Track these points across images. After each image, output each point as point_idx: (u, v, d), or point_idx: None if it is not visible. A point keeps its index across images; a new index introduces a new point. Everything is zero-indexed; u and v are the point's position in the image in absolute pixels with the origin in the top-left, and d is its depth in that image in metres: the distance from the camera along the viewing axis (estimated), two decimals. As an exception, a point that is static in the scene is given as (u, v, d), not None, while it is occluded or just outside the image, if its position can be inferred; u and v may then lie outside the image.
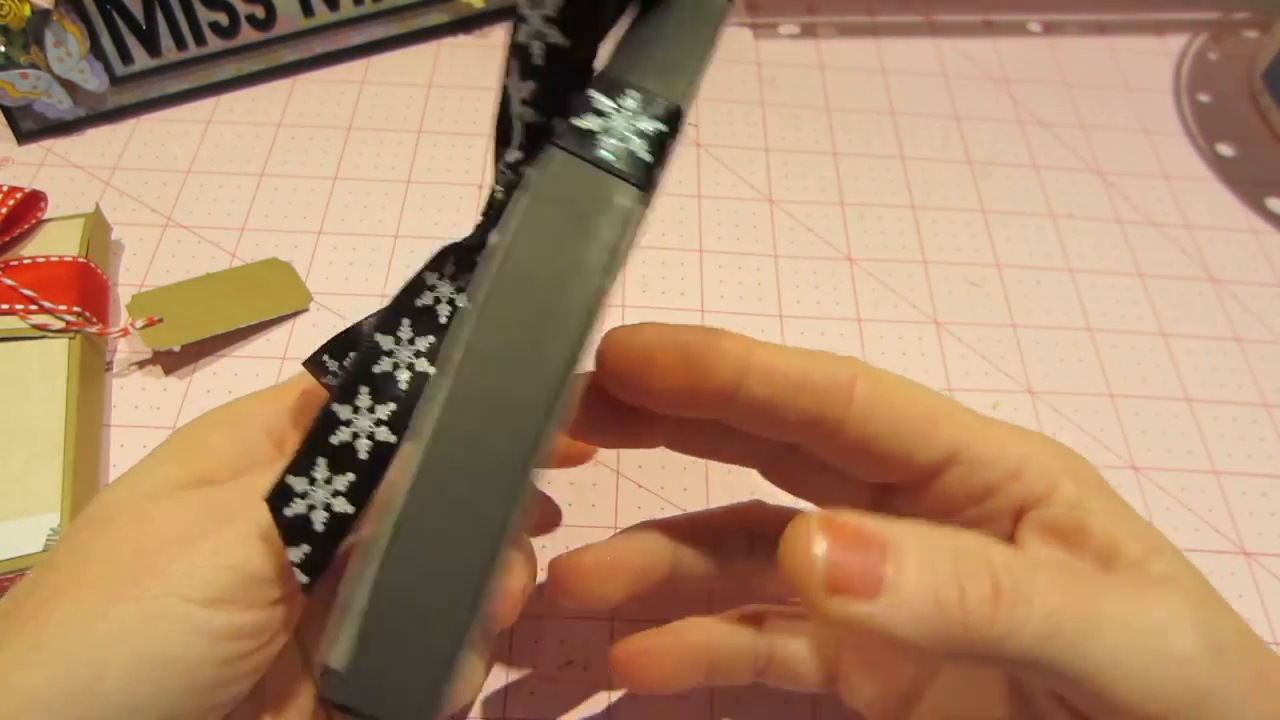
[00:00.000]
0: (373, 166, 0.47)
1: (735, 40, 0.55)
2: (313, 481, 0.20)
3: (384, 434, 0.21)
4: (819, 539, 0.19)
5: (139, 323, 0.38)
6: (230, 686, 0.22)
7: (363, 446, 0.21)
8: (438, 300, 0.22)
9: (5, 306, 0.37)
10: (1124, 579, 0.21)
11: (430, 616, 0.17)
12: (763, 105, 0.52)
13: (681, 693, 0.28)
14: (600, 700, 0.32)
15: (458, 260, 0.21)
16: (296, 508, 0.20)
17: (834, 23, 0.57)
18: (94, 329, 0.37)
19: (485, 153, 0.48)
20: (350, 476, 0.20)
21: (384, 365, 0.21)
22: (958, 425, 0.23)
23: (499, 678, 0.32)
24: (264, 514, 0.21)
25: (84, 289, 0.38)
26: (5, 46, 0.43)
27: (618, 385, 0.23)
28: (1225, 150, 0.52)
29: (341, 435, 0.21)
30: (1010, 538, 0.23)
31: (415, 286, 0.21)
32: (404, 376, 0.21)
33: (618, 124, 0.18)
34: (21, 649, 0.20)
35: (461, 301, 0.21)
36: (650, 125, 0.19)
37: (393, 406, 0.21)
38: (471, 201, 0.46)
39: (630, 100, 0.19)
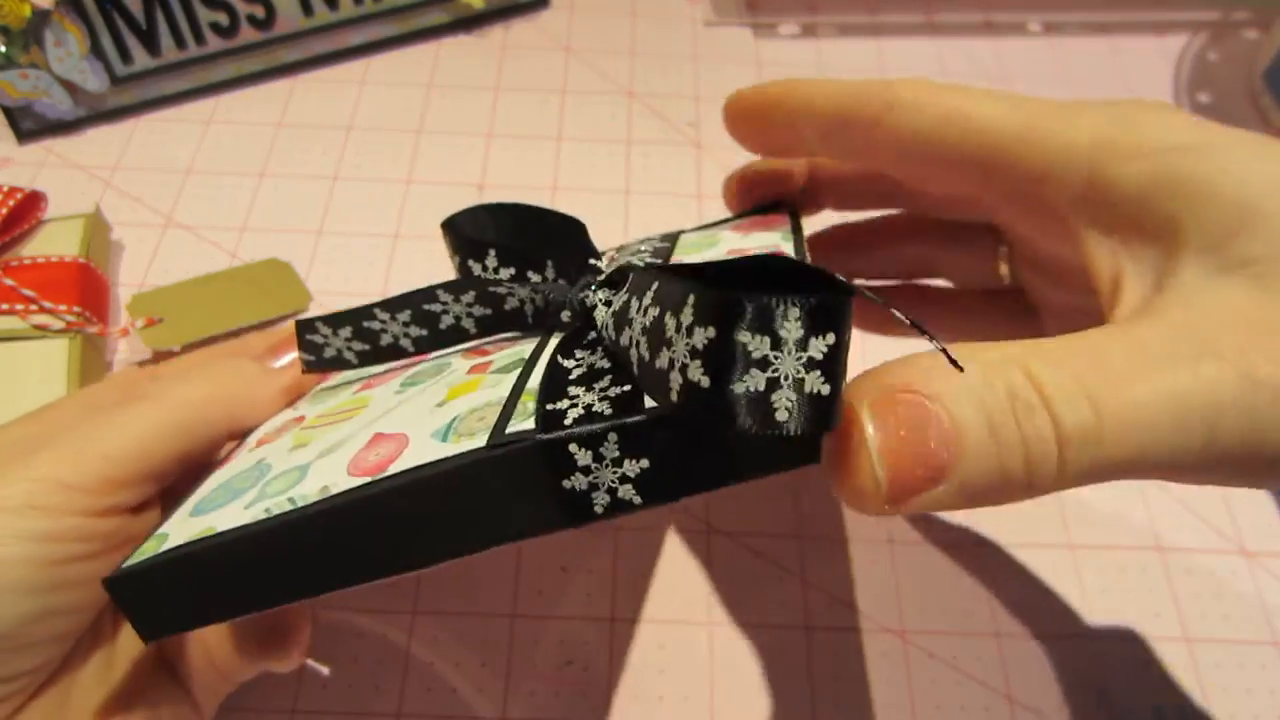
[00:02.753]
0: (373, 166, 0.47)
1: (735, 40, 0.55)
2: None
3: (351, 356, 0.26)
4: (880, 467, 0.16)
5: (139, 323, 0.38)
6: (61, 592, 0.23)
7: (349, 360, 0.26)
8: (444, 311, 0.25)
9: (5, 306, 0.37)
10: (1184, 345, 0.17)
11: None
12: (763, 105, 0.52)
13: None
14: (600, 700, 0.32)
15: (480, 298, 0.24)
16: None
17: (834, 23, 0.57)
18: (94, 329, 0.37)
19: (485, 153, 0.48)
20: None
21: (373, 326, 0.25)
22: (982, 127, 0.22)
23: (499, 678, 0.32)
24: (82, 432, 0.23)
25: (84, 289, 0.38)
26: (5, 46, 0.43)
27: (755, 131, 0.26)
28: (1225, 150, 0.52)
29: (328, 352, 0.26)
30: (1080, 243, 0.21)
31: (427, 295, 0.24)
32: (386, 340, 0.25)
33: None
34: None
35: (469, 323, 0.25)
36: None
37: (365, 347, 0.26)
38: (470, 201, 0.46)
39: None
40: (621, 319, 0.19)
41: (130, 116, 0.48)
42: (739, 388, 0.15)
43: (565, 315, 0.23)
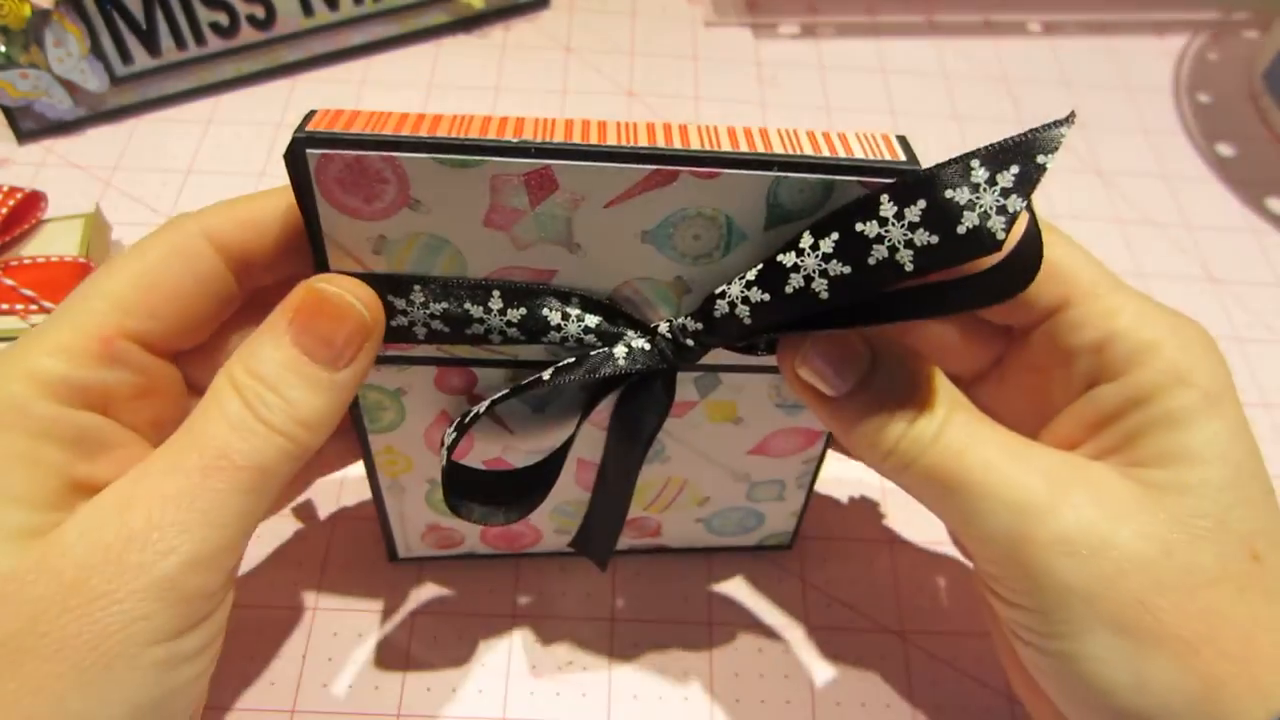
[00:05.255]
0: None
1: (735, 40, 0.55)
2: None
3: (421, 331, 0.24)
4: (811, 352, 0.23)
5: (139, 323, 0.38)
6: (205, 680, 0.23)
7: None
8: (556, 324, 0.24)
9: (5, 306, 0.37)
10: (1063, 471, 0.23)
11: None
12: (763, 105, 0.52)
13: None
14: (600, 700, 0.32)
15: (597, 312, 0.25)
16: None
17: (834, 23, 0.57)
18: (94, 329, 0.37)
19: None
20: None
21: (473, 312, 0.24)
22: (1074, 280, 0.24)
23: (499, 678, 0.32)
24: (194, 536, 0.21)
25: (84, 289, 0.38)
26: (5, 46, 0.43)
27: None
28: (1225, 150, 0.52)
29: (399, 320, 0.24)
30: (1071, 398, 0.24)
31: (555, 295, 0.24)
32: (475, 330, 0.24)
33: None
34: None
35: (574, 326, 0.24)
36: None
37: (445, 329, 0.24)
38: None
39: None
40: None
41: (130, 116, 0.48)
42: (961, 229, 0.19)
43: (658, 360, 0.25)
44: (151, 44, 0.47)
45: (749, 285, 0.22)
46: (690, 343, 0.24)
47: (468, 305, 0.23)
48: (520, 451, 0.28)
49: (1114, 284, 0.24)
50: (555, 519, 0.32)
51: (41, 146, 0.47)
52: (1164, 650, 0.21)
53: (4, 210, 0.38)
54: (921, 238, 0.20)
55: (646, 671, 0.33)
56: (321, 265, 0.23)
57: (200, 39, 0.48)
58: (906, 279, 0.20)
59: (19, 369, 0.21)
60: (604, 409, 0.27)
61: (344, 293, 0.22)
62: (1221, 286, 0.46)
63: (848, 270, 0.21)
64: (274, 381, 0.22)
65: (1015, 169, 0.19)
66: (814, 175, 0.22)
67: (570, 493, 0.31)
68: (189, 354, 0.25)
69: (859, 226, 0.20)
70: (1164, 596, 0.21)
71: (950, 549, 0.36)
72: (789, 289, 0.21)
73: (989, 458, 0.22)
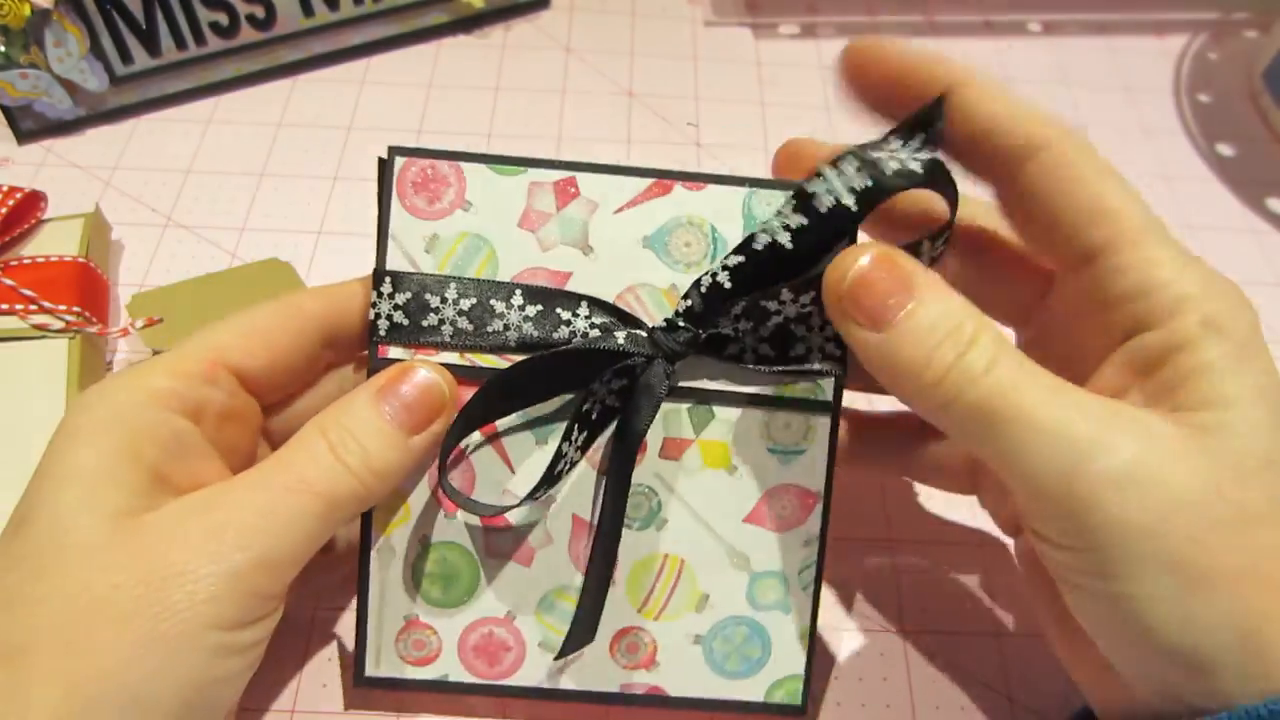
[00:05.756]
0: (372, 166, 0.47)
1: (735, 40, 0.55)
2: None
3: (449, 333, 0.28)
4: (863, 259, 0.24)
5: (139, 323, 0.38)
6: (244, 682, 0.25)
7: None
8: (567, 322, 0.28)
9: (5, 306, 0.37)
10: (1118, 409, 0.23)
11: None
12: (763, 105, 0.52)
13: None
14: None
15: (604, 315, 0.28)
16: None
17: (834, 23, 0.57)
18: (94, 329, 0.37)
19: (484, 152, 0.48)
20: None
21: (497, 306, 0.28)
22: (1119, 226, 0.24)
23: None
24: (266, 539, 0.23)
25: (84, 289, 0.38)
26: (5, 46, 0.43)
27: (865, 83, 0.27)
28: (1225, 150, 0.52)
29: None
30: (1113, 347, 0.24)
31: (567, 299, 0.28)
32: (495, 326, 0.28)
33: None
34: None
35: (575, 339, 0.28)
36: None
37: (470, 328, 0.28)
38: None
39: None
40: (762, 314, 0.27)
41: (130, 116, 0.48)
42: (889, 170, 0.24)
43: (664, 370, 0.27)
44: (151, 44, 0.47)
45: (726, 258, 0.26)
46: (681, 323, 0.27)
47: (493, 301, 0.27)
48: (516, 498, 0.28)
49: (1160, 234, 0.24)
50: (541, 622, 0.29)
51: (41, 146, 0.47)
52: (1214, 587, 0.21)
53: (4, 210, 0.38)
54: (859, 181, 0.24)
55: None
56: (381, 262, 0.28)
57: (200, 39, 0.47)
58: (854, 219, 0.24)
59: (132, 381, 0.25)
60: (600, 448, 0.28)
61: (430, 371, 0.26)
62: (1221, 286, 0.46)
63: (805, 220, 0.25)
64: (356, 431, 0.25)
65: (920, 136, 0.25)
66: (781, 190, 0.28)
67: (561, 573, 0.29)
68: (272, 406, 0.29)
69: (808, 188, 0.25)
70: (1215, 534, 0.21)
71: (951, 549, 0.36)
72: (757, 245, 0.25)
73: (1039, 395, 0.22)
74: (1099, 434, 0.22)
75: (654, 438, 0.29)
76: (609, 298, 0.28)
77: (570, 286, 0.28)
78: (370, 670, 0.30)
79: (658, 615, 0.29)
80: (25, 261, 0.38)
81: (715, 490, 0.29)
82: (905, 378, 0.23)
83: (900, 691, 0.33)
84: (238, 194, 0.45)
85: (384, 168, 0.28)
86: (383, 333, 0.28)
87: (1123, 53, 0.57)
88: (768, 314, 0.26)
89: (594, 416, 0.27)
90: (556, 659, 0.29)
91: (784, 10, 0.57)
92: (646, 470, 0.29)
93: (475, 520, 0.29)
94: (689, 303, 0.27)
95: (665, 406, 0.28)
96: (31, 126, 0.47)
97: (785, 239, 0.25)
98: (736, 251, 0.26)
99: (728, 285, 0.26)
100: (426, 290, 0.27)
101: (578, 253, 0.28)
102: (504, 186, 0.28)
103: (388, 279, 0.28)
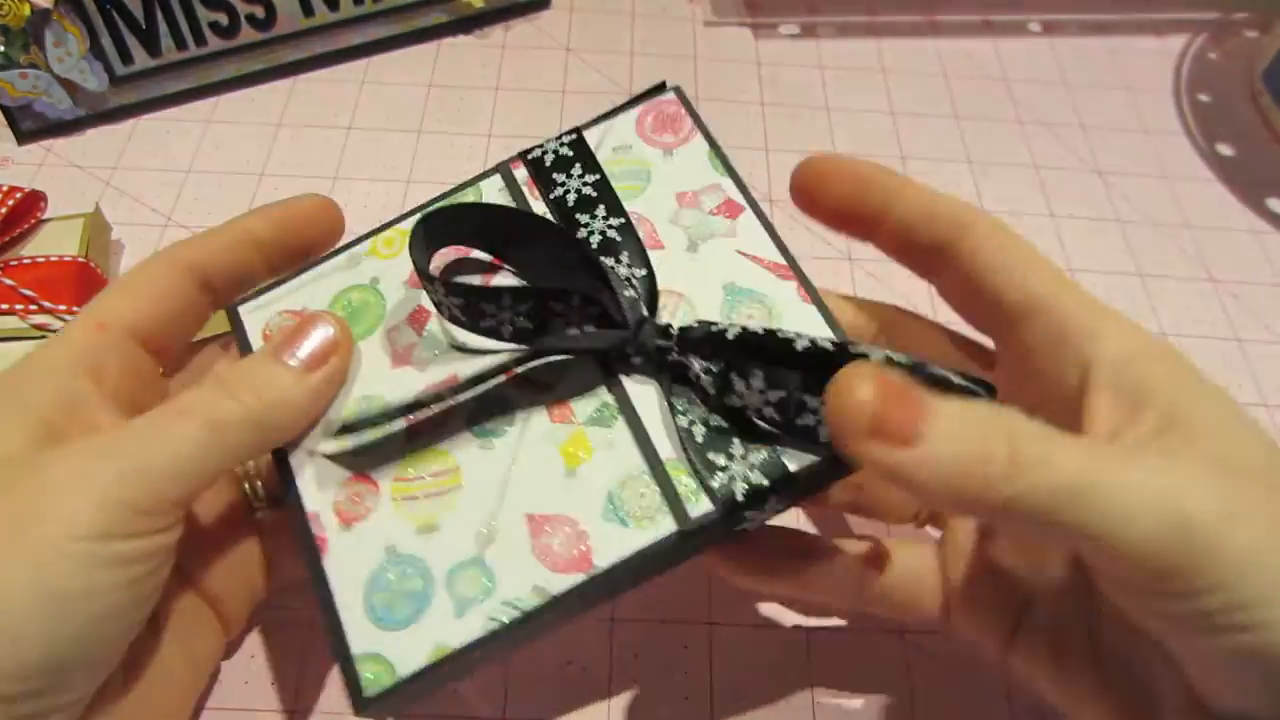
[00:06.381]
0: (373, 166, 0.47)
1: (735, 40, 0.55)
2: None
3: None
4: (867, 386, 0.21)
5: (139, 323, 0.38)
6: (131, 612, 0.24)
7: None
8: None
9: (5, 306, 0.37)
10: (1155, 447, 0.22)
11: None
12: (763, 105, 0.52)
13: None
14: (600, 700, 0.32)
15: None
16: None
17: (834, 23, 0.57)
18: (94, 329, 0.37)
19: (485, 152, 0.48)
20: None
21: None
22: (1048, 280, 0.26)
23: (499, 678, 0.32)
24: (139, 451, 0.24)
25: (84, 289, 0.38)
26: (5, 46, 0.43)
27: (805, 199, 0.29)
28: (1225, 150, 0.52)
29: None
30: (1079, 394, 0.25)
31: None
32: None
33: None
34: None
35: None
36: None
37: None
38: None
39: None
40: (726, 386, 0.24)
41: (130, 116, 0.48)
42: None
43: (637, 360, 0.26)
44: (151, 44, 0.47)
45: (756, 324, 0.25)
46: (671, 332, 0.25)
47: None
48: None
49: (1075, 292, 0.26)
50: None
51: (41, 146, 0.47)
52: None
53: (4, 210, 0.38)
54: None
55: (647, 671, 0.33)
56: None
57: (200, 39, 0.48)
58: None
59: (31, 356, 0.26)
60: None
61: (321, 317, 0.27)
62: (1221, 286, 0.46)
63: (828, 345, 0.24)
64: (244, 367, 0.26)
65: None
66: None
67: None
68: (169, 367, 0.30)
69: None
70: None
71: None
72: (790, 338, 0.24)
73: (1099, 461, 0.21)
74: (1179, 481, 0.21)
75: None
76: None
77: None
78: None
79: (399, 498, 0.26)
80: (25, 261, 0.38)
81: (538, 470, 0.25)
82: (958, 480, 0.21)
83: (900, 691, 0.33)
84: (238, 194, 0.45)
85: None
86: None
87: (1123, 53, 0.57)
88: (729, 388, 0.24)
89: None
90: None
91: (784, 10, 0.57)
92: (528, 405, 0.26)
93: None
94: (690, 324, 0.25)
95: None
96: (31, 126, 0.47)
97: (828, 344, 0.23)
98: (769, 331, 0.24)
99: (730, 337, 0.24)
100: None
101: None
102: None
103: None
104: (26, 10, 0.42)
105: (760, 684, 0.33)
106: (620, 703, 0.32)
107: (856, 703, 0.33)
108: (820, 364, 0.23)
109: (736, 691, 0.33)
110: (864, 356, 0.23)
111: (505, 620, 0.23)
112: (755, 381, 0.24)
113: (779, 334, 0.24)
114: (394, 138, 0.48)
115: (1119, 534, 0.20)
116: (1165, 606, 0.22)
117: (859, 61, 0.55)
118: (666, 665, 0.33)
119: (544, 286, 0.25)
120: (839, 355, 0.23)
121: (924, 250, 0.28)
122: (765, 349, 0.24)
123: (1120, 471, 0.21)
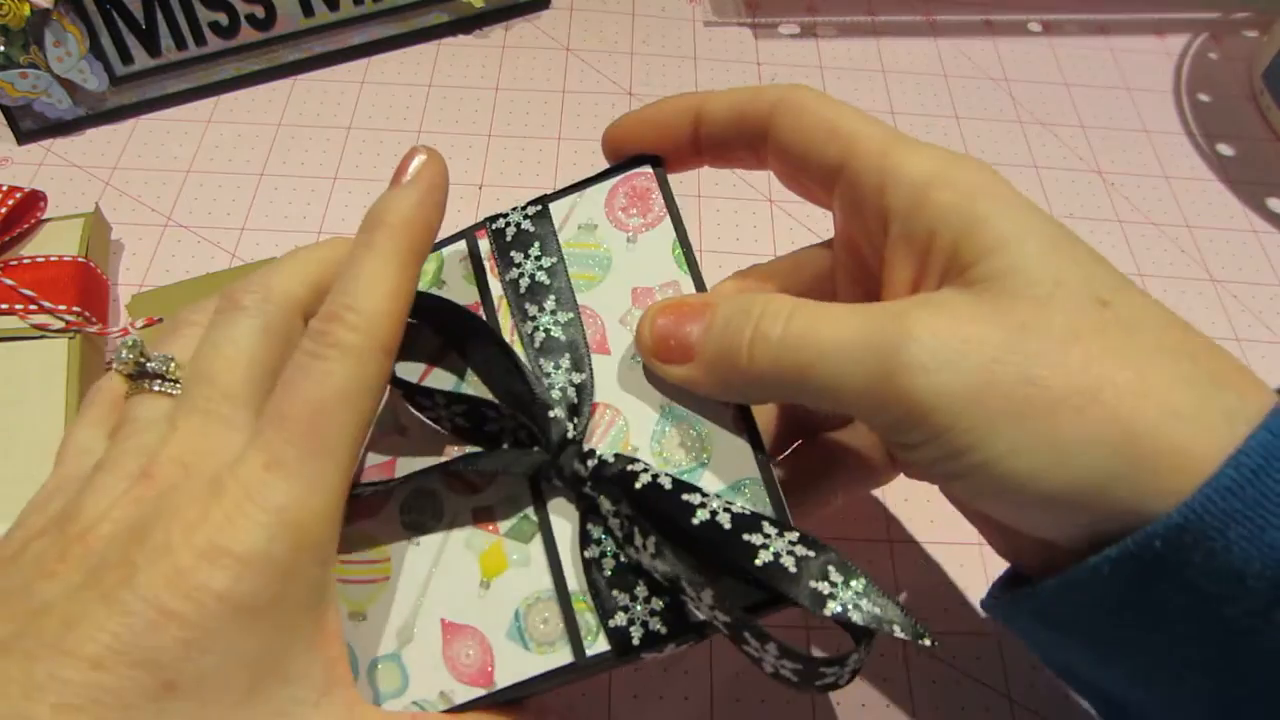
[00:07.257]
0: (372, 166, 0.47)
1: (735, 40, 0.55)
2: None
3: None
4: (647, 325, 0.25)
5: (139, 323, 0.38)
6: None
7: None
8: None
9: (5, 306, 0.37)
10: (904, 306, 0.23)
11: None
12: (763, 105, 0.52)
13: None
14: (600, 700, 0.32)
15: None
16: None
17: (834, 23, 0.57)
18: (94, 329, 0.37)
19: (485, 152, 0.48)
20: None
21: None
22: (851, 138, 0.25)
23: (499, 678, 0.32)
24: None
25: (84, 289, 0.38)
26: (5, 46, 0.43)
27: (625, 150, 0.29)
28: (1225, 150, 0.52)
29: None
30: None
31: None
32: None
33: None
34: None
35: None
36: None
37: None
38: (470, 201, 0.46)
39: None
40: (629, 536, 0.23)
41: (130, 116, 0.48)
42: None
43: (558, 484, 0.25)
44: (151, 44, 0.47)
45: (696, 486, 0.24)
46: (589, 461, 0.24)
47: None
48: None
49: (897, 139, 0.25)
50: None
51: (41, 146, 0.47)
52: (1065, 413, 0.20)
53: (4, 210, 0.38)
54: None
55: (647, 671, 0.33)
56: None
57: (200, 39, 0.48)
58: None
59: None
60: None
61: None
62: (1221, 286, 0.46)
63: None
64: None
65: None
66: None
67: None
68: None
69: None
70: (1040, 366, 0.20)
71: (950, 548, 0.36)
72: (702, 516, 0.23)
73: (834, 324, 0.22)
74: (894, 329, 0.21)
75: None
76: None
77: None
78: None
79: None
80: (25, 261, 0.38)
81: (457, 576, 0.25)
82: (730, 379, 0.24)
83: (900, 691, 0.33)
84: (238, 194, 0.45)
85: None
86: None
87: (1123, 53, 0.57)
88: (630, 539, 0.23)
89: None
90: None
91: (784, 10, 0.57)
92: (455, 506, 0.26)
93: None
94: (607, 459, 0.24)
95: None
96: (31, 126, 0.47)
97: (725, 520, 0.22)
98: (675, 488, 0.23)
99: (637, 487, 0.23)
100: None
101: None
102: None
103: None
104: (26, 10, 0.42)
105: (760, 683, 0.33)
106: (620, 702, 0.32)
107: (856, 703, 0.33)
108: (714, 543, 0.22)
109: (736, 691, 0.33)
110: (756, 547, 0.22)
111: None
112: (650, 545, 0.22)
113: (682, 498, 0.23)
114: (394, 138, 0.48)
115: (839, 398, 0.22)
116: (908, 457, 0.23)
117: (859, 61, 0.55)
118: (666, 665, 0.33)
119: (474, 397, 0.25)
120: (736, 532, 0.22)
121: (746, 150, 0.27)
122: (663, 515, 0.23)
123: (837, 333, 0.22)
